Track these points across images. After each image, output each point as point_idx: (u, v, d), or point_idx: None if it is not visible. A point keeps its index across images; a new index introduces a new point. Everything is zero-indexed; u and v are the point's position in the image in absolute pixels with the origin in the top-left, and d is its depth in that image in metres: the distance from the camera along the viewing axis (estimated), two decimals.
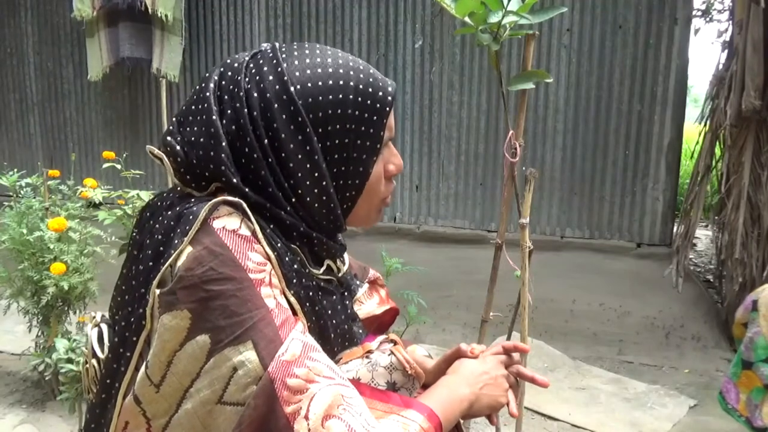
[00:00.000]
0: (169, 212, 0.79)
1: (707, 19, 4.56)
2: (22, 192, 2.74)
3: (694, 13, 3.81)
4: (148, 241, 0.79)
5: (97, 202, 2.67)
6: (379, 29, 4.03)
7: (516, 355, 0.99)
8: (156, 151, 0.84)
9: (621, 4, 3.62)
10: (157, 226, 0.79)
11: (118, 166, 2.69)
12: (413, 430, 0.76)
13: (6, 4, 4.81)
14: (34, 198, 2.72)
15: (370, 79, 0.84)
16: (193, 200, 0.80)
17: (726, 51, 3.70)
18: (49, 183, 2.75)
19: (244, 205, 0.78)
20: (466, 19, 1.37)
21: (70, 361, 2.39)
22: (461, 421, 0.98)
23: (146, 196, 2.47)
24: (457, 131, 3.99)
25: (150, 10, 3.94)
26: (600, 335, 3.57)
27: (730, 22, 3.84)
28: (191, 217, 0.76)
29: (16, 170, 2.91)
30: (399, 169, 0.92)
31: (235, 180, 0.79)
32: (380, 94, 0.84)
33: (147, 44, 4.17)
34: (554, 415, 2.77)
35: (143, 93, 4.56)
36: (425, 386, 0.92)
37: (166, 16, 3.98)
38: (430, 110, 4.02)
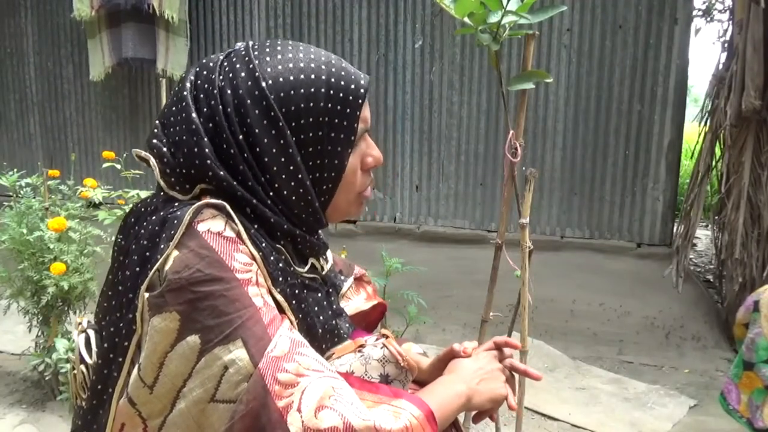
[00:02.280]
0: (154, 217, 0.80)
1: (708, 19, 4.55)
2: (22, 192, 2.74)
3: (695, 13, 3.81)
4: (133, 247, 0.80)
5: (97, 202, 2.67)
6: (379, 29, 4.02)
7: (508, 350, 1.00)
8: (142, 153, 0.85)
9: (621, 4, 3.62)
10: (142, 231, 0.80)
11: (118, 166, 2.69)
12: (405, 417, 0.76)
13: (6, 4, 4.81)
14: (34, 198, 2.72)
15: (342, 73, 0.85)
16: (177, 204, 0.81)
17: (726, 51, 3.70)
18: (49, 183, 2.75)
19: (228, 207, 0.79)
20: (466, 19, 1.37)
21: (69, 361, 2.39)
22: (461, 422, 0.98)
23: (146, 195, 2.47)
24: (457, 131, 3.99)
25: (157, 12, 3.95)
26: (600, 335, 3.56)
27: (730, 22, 3.84)
28: (176, 221, 0.77)
29: (16, 170, 2.91)
30: (377, 162, 0.92)
31: (222, 173, 0.80)
32: (352, 86, 0.85)
33: (150, 45, 4.17)
34: (554, 415, 2.76)
35: (143, 93, 4.56)
36: (422, 385, 0.92)
37: (172, 17, 3.99)
38: (430, 110, 4.02)
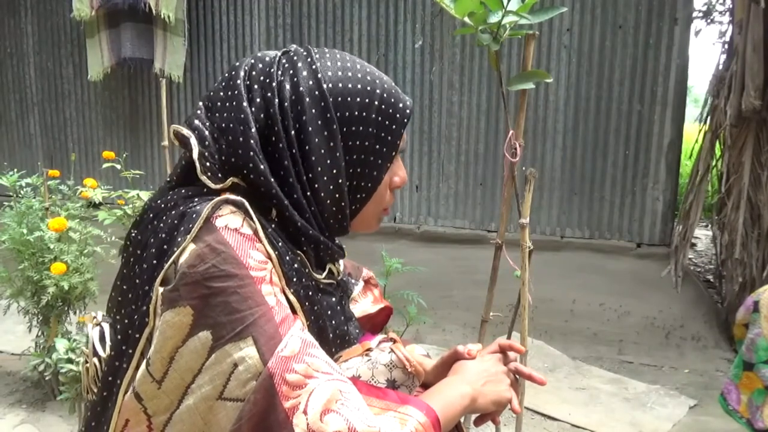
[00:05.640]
0: (173, 212, 0.80)
1: (708, 20, 4.55)
2: (22, 192, 2.74)
3: (695, 14, 3.81)
4: (152, 240, 0.80)
5: (97, 202, 2.67)
6: (379, 29, 4.03)
7: (513, 354, 1.00)
8: (183, 131, 0.84)
9: (621, 4, 3.62)
10: (161, 225, 0.80)
11: (118, 166, 2.69)
12: (411, 424, 0.76)
13: (6, 4, 4.81)
14: (34, 198, 2.72)
15: (393, 91, 0.89)
16: (196, 200, 0.81)
17: (726, 51, 3.70)
18: (49, 183, 2.75)
19: (246, 204, 0.79)
20: (466, 19, 1.36)
21: (70, 361, 2.39)
22: (462, 422, 0.98)
23: (146, 196, 2.47)
24: (457, 131, 3.99)
25: (153, 11, 3.95)
26: (600, 335, 3.57)
27: (730, 22, 3.84)
28: (194, 215, 0.78)
29: (16, 170, 2.91)
30: (403, 182, 0.95)
31: (262, 167, 0.80)
32: (401, 105, 0.89)
33: (149, 45, 4.18)
34: (554, 415, 2.77)
35: (143, 93, 4.56)
36: (425, 387, 0.92)
37: (168, 17, 3.99)
38: (430, 110, 4.02)
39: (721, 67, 3.68)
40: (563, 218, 3.88)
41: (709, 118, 3.74)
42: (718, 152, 3.77)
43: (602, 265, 3.76)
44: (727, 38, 3.75)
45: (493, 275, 1.63)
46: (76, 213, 2.68)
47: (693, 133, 4.12)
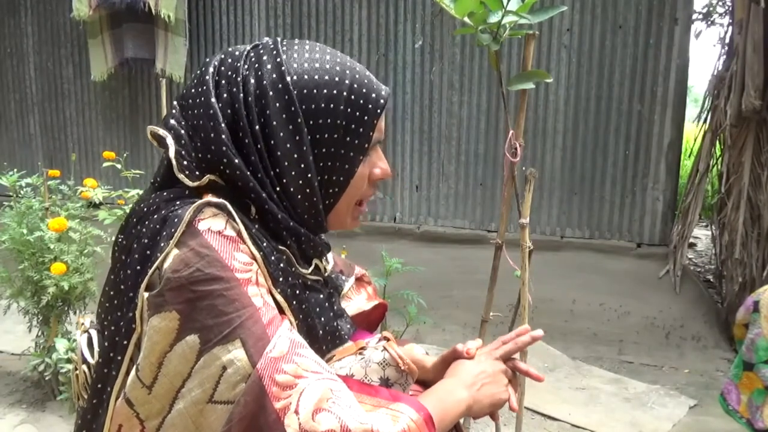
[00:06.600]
0: (156, 216, 0.80)
1: (708, 22, 4.55)
2: (22, 192, 2.74)
3: (695, 16, 3.81)
4: (135, 246, 0.80)
5: (97, 202, 2.68)
6: (379, 29, 4.02)
7: (514, 346, 0.99)
8: (159, 131, 0.84)
9: (621, 4, 3.62)
10: (144, 230, 0.80)
11: (118, 166, 2.69)
12: (403, 421, 0.76)
13: (6, 4, 4.81)
14: (34, 198, 2.72)
15: (365, 81, 0.86)
16: (178, 203, 0.80)
17: (726, 51, 3.70)
18: (49, 183, 2.75)
19: (229, 206, 0.79)
20: (466, 19, 1.37)
21: (69, 361, 2.40)
22: (461, 422, 0.98)
23: (145, 193, 2.47)
24: (457, 131, 3.99)
25: (153, 11, 3.95)
26: (600, 335, 3.57)
27: (731, 23, 3.84)
28: (176, 219, 0.77)
29: (16, 170, 2.91)
30: (385, 175, 0.92)
31: (236, 161, 0.79)
32: (373, 95, 0.86)
33: (150, 45, 4.18)
34: (554, 415, 2.77)
35: (143, 93, 4.56)
36: (426, 385, 0.92)
37: (168, 16, 3.99)
38: (430, 110, 4.02)
39: (721, 67, 3.68)
40: (563, 218, 3.88)
41: (709, 118, 3.74)
42: (718, 152, 3.77)
43: (602, 265, 3.76)
44: (727, 39, 3.75)
45: (493, 275, 1.63)
46: (76, 213, 2.68)
47: (693, 133, 4.12)
